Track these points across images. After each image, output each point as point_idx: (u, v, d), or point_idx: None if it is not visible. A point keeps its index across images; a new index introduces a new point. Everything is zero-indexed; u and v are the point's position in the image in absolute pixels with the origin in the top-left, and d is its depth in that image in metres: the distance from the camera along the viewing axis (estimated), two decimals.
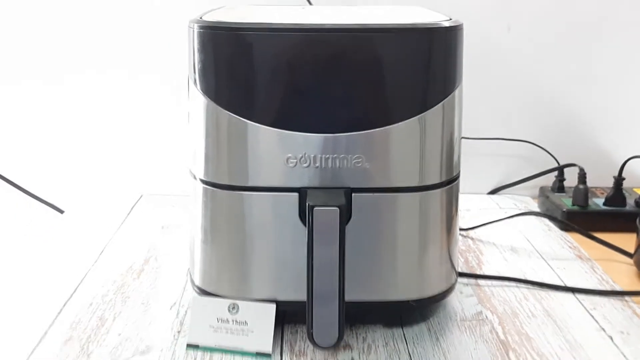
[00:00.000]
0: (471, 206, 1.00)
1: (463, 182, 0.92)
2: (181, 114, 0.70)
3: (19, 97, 1.00)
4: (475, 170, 1.05)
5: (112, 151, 1.02)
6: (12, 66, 0.99)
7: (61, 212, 0.99)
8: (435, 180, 0.62)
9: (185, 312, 0.68)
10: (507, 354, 0.61)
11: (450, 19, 0.61)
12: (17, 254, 0.82)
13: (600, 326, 0.66)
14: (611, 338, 0.64)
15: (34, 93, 1.00)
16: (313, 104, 0.58)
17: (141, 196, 1.02)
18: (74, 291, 0.72)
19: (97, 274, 0.76)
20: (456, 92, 0.61)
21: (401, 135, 0.59)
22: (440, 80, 0.60)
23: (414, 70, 0.59)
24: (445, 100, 0.60)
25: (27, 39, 0.98)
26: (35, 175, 1.02)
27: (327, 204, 0.55)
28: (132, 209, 0.97)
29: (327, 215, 0.55)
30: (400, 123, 0.58)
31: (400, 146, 0.59)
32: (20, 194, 1.00)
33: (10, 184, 1.00)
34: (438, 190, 0.62)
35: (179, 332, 0.64)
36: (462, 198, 0.99)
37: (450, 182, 0.63)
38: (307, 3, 0.94)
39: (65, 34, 0.98)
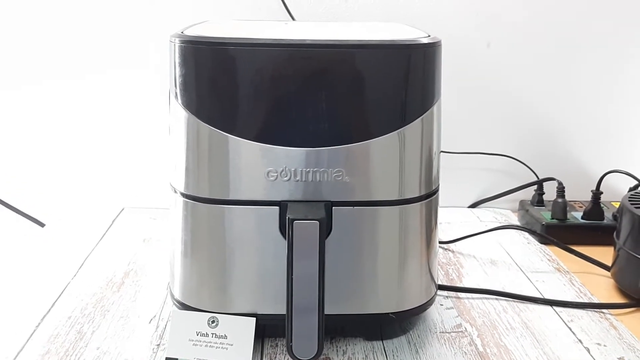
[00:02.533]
0: (452, 219, 1.01)
1: (444, 196, 0.93)
2: (163, 127, 0.70)
3: None
4: (457, 183, 1.06)
5: (94, 164, 1.02)
6: None
7: (42, 225, 0.98)
8: (415, 193, 0.62)
9: (165, 325, 0.67)
10: None
11: (429, 36, 0.62)
12: None
13: (577, 338, 0.67)
14: (588, 350, 0.65)
15: (14, 106, 1.00)
16: (293, 119, 0.58)
17: (123, 209, 1.02)
18: (53, 304, 0.71)
19: (76, 287, 0.75)
20: (435, 107, 0.62)
21: (381, 150, 0.60)
22: (419, 96, 0.61)
23: (393, 86, 0.59)
24: (424, 115, 0.61)
25: (9, 48, 0.97)
26: (17, 188, 1.01)
27: (307, 217, 0.56)
28: (113, 222, 0.97)
29: (307, 228, 0.55)
30: (379, 137, 0.59)
31: (379, 160, 0.60)
32: (1, 208, 0.99)
33: None
34: (417, 204, 0.63)
35: (158, 345, 0.64)
36: (443, 211, 1.01)
37: (429, 195, 0.64)
38: (290, 19, 0.95)
39: (46, 47, 0.97)
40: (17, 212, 0.99)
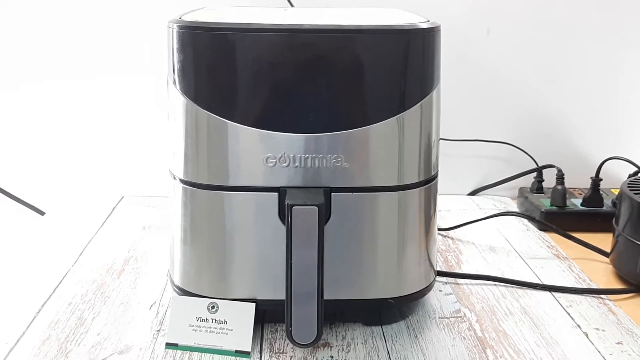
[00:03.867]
0: (451, 207, 1.01)
1: (444, 183, 0.93)
2: (161, 115, 0.70)
3: None
4: (456, 171, 1.06)
5: (94, 152, 1.02)
6: None
7: (42, 213, 0.98)
8: (414, 179, 0.62)
9: (165, 311, 0.68)
10: (485, 351, 0.62)
11: (428, 21, 0.62)
12: None
13: (575, 323, 0.67)
14: (586, 334, 0.65)
15: (14, 96, 1.00)
16: (292, 104, 0.58)
17: (122, 197, 1.02)
18: (53, 291, 0.71)
19: (77, 274, 0.76)
20: (434, 93, 0.62)
21: (380, 135, 0.60)
22: (418, 81, 0.61)
23: (392, 71, 0.59)
24: (423, 100, 0.61)
25: (8, 43, 0.97)
26: (17, 177, 1.01)
27: (306, 203, 0.56)
28: (113, 210, 0.97)
29: (305, 214, 0.55)
30: (378, 123, 0.59)
31: (378, 146, 0.60)
32: (1, 197, 1.00)
33: None
34: (416, 190, 0.63)
35: (158, 331, 0.64)
36: (442, 199, 1.01)
37: (428, 181, 0.64)
38: (288, 5, 0.95)
39: (44, 38, 0.97)
40: (17, 201, 1.00)
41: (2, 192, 0.99)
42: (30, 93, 1.00)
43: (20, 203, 1.00)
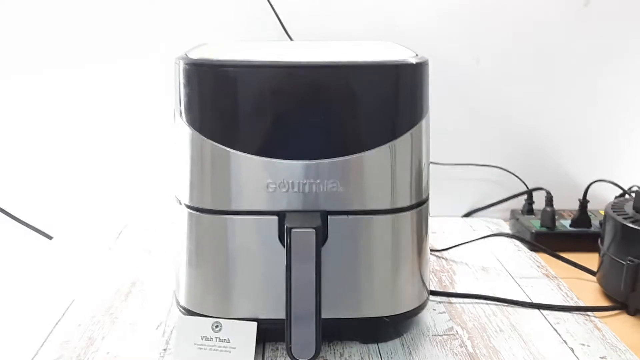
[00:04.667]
0: (446, 228, 1.04)
1: (439, 206, 0.97)
2: (167, 144, 0.74)
3: (5, 123, 1.03)
4: (451, 194, 1.09)
5: (101, 179, 1.05)
6: None
7: (50, 238, 1.02)
8: (406, 203, 0.66)
9: (171, 331, 0.71)
10: None
11: (417, 55, 0.66)
12: (7, 278, 0.84)
13: (562, 339, 0.70)
14: (572, 350, 0.68)
15: (22, 119, 1.02)
16: (291, 134, 0.62)
17: (128, 223, 1.05)
18: (63, 314, 0.74)
19: (86, 296, 0.79)
20: (423, 121, 0.66)
21: (373, 162, 0.63)
22: (407, 111, 0.65)
23: (384, 102, 0.63)
24: (413, 129, 0.65)
25: (5, 59, 1.00)
26: (25, 202, 1.04)
27: (304, 226, 0.59)
28: (119, 234, 1.00)
29: (303, 236, 0.59)
30: (371, 150, 0.63)
31: (372, 171, 0.64)
32: (9, 221, 1.03)
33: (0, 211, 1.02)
34: (408, 213, 0.66)
35: (164, 350, 0.67)
36: (437, 220, 1.05)
37: (420, 204, 0.68)
38: (287, 39, 1.00)
39: (48, 55, 1.00)
40: (25, 226, 1.03)
41: (10, 217, 1.03)
42: (37, 119, 1.03)
43: (29, 227, 1.03)
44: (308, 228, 0.59)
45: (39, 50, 1.00)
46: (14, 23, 0.99)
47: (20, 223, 1.03)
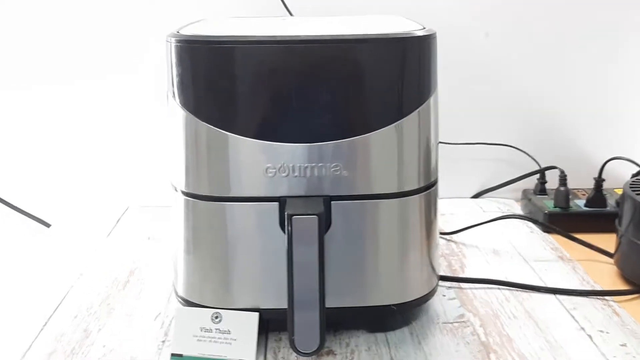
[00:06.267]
0: (455, 210, 1.01)
1: (447, 187, 0.93)
2: (165, 125, 0.71)
3: (2, 111, 1.01)
4: (459, 174, 1.06)
5: (99, 163, 1.03)
6: None
7: (48, 225, 0.99)
8: (414, 186, 0.63)
9: (170, 322, 0.68)
10: (488, 356, 0.62)
11: (424, 28, 0.62)
12: (3, 267, 0.82)
13: (580, 326, 0.67)
14: (590, 337, 0.65)
15: (18, 106, 1.01)
16: (290, 115, 0.59)
17: (127, 208, 1.02)
18: (59, 304, 0.72)
19: (82, 286, 0.76)
20: (431, 99, 0.62)
21: (378, 143, 0.60)
22: (415, 88, 0.61)
23: (389, 79, 0.60)
24: (420, 107, 0.61)
25: (8, 51, 0.98)
26: (22, 189, 1.02)
27: (306, 213, 0.56)
28: (118, 221, 0.98)
29: (305, 223, 0.56)
30: (377, 131, 0.59)
31: (377, 154, 0.60)
32: (6, 209, 1.01)
33: None
34: (416, 196, 0.63)
35: (163, 342, 0.65)
36: (446, 202, 1.01)
37: (428, 187, 0.64)
38: (287, 14, 0.96)
39: (49, 48, 0.98)
40: (22, 213, 1.01)
41: (7, 205, 1.01)
42: (36, 105, 1.01)
43: (26, 215, 1.01)
44: (310, 214, 0.56)
45: (40, 35, 0.97)
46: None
47: (17, 211, 1.01)
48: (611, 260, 0.81)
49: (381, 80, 0.59)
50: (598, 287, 0.76)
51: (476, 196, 1.07)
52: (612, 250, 0.81)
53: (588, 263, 0.82)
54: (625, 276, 0.77)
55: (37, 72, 0.99)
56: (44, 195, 1.03)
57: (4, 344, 0.64)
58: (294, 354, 0.61)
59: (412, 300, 0.65)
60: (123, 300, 0.73)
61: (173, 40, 0.60)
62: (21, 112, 1.01)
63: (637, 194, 0.74)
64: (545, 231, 0.92)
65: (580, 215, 0.92)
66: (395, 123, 0.60)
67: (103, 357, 0.62)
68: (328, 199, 0.60)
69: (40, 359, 0.62)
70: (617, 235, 0.78)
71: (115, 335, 0.66)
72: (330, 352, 0.63)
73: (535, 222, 0.93)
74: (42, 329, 0.67)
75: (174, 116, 0.61)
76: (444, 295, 0.74)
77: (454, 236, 0.91)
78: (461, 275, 0.79)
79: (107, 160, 1.03)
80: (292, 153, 0.59)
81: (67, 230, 0.95)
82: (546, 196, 0.97)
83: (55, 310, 0.71)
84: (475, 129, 1.04)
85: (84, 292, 0.75)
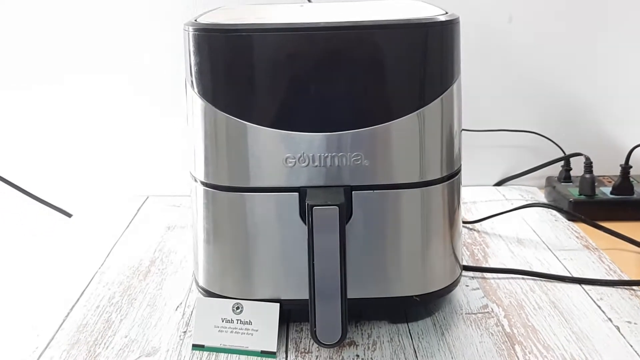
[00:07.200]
0: (477, 198, 0.99)
1: (469, 175, 0.92)
2: (184, 115, 0.70)
3: (25, 102, 1.01)
4: (482, 162, 1.04)
5: (119, 154, 1.03)
6: (16, 71, 1.00)
7: (69, 215, 1.00)
8: (436, 175, 0.61)
9: (191, 312, 0.68)
10: (513, 347, 0.61)
11: (446, 13, 0.60)
12: (25, 258, 0.83)
13: (607, 317, 0.66)
14: (618, 328, 0.64)
15: (39, 98, 1.01)
16: (310, 103, 0.58)
17: (147, 197, 1.03)
18: (81, 294, 0.72)
19: (104, 276, 0.77)
20: (454, 86, 0.61)
21: (400, 132, 0.59)
22: (437, 75, 0.59)
23: (411, 66, 0.58)
24: (443, 94, 0.60)
25: (30, 43, 0.99)
26: (43, 180, 1.03)
27: (327, 203, 0.55)
28: (138, 210, 0.98)
29: (326, 213, 0.55)
30: (398, 119, 0.58)
31: (399, 142, 0.59)
32: (28, 199, 1.01)
33: (18, 190, 1.01)
34: (439, 186, 0.62)
35: (184, 332, 0.65)
36: (468, 190, 1.00)
37: (451, 176, 0.63)
38: (306, 1, 0.94)
39: (67, 37, 0.99)
40: (44, 204, 1.01)
41: (29, 196, 1.01)
42: (54, 96, 1.01)
43: (47, 206, 1.01)
44: (331, 205, 0.55)
45: (63, 27, 0.97)
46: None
47: (39, 201, 1.01)
48: (638, 249, 0.79)
49: (403, 68, 0.58)
50: (625, 277, 0.74)
51: (499, 184, 1.06)
52: (639, 238, 0.79)
53: (614, 252, 0.80)
54: None
55: (62, 63, 0.99)
56: (65, 186, 1.03)
57: (27, 335, 0.65)
58: (316, 345, 0.61)
59: (435, 291, 0.64)
60: (144, 290, 0.73)
61: (191, 29, 0.59)
62: (45, 105, 1.01)
63: None
64: (570, 219, 0.90)
65: (606, 203, 0.90)
66: (418, 111, 0.59)
67: (125, 348, 0.62)
68: (349, 189, 0.59)
69: (63, 350, 0.62)
70: None
71: (137, 325, 0.66)
72: (352, 343, 0.62)
73: (559, 210, 0.91)
74: (64, 320, 0.67)
75: (193, 106, 0.61)
76: (467, 286, 0.73)
77: (476, 225, 0.89)
78: (484, 264, 0.78)
79: (127, 151, 1.03)
80: (312, 142, 0.58)
81: (88, 220, 0.95)
82: (571, 184, 0.95)
83: (77, 300, 0.71)
84: (498, 116, 1.02)
85: (105, 283, 0.75)
